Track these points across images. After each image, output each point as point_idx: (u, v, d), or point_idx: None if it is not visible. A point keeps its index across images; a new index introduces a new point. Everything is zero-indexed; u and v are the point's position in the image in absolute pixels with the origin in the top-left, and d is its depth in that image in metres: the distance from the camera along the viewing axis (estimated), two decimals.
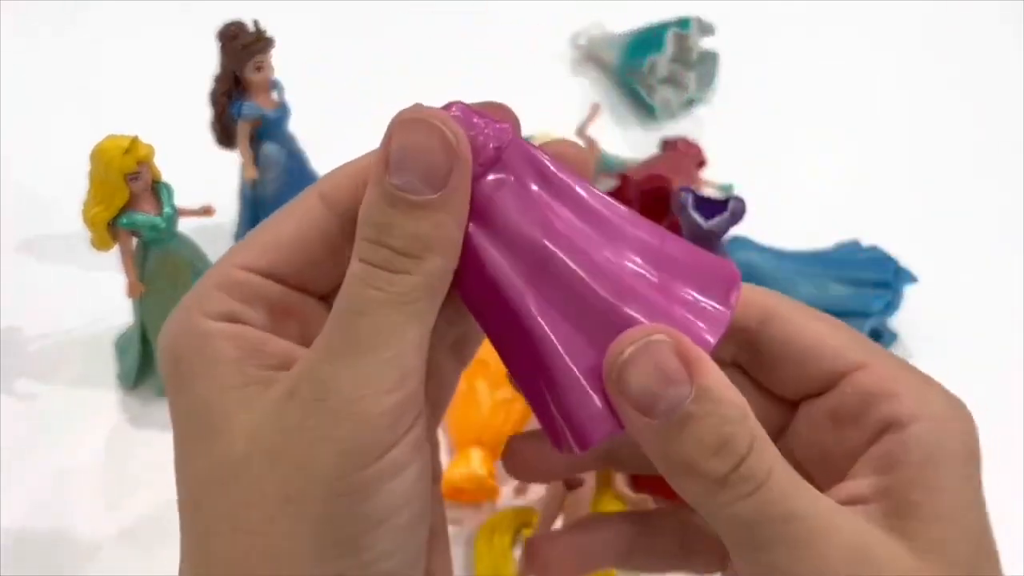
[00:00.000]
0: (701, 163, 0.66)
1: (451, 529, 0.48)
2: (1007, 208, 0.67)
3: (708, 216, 0.51)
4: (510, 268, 0.23)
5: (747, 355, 0.29)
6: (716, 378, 0.23)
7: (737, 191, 0.64)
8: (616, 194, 0.63)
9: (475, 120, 0.23)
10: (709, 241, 0.52)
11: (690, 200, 0.51)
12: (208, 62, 0.56)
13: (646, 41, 0.75)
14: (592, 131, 0.67)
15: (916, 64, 0.81)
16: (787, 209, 0.64)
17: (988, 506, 0.27)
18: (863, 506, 0.26)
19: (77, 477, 0.51)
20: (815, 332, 0.28)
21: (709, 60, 0.77)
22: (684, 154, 0.66)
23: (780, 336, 0.28)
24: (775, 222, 0.60)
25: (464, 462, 0.48)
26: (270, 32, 0.55)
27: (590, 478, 0.47)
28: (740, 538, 0.23)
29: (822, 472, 0.28)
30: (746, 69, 0.79)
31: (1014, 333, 0.59)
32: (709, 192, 0.60)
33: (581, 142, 0.67)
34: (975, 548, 0.26)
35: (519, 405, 0.50)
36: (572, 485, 0.46)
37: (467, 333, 0.29)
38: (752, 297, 0.28)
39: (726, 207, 0.51)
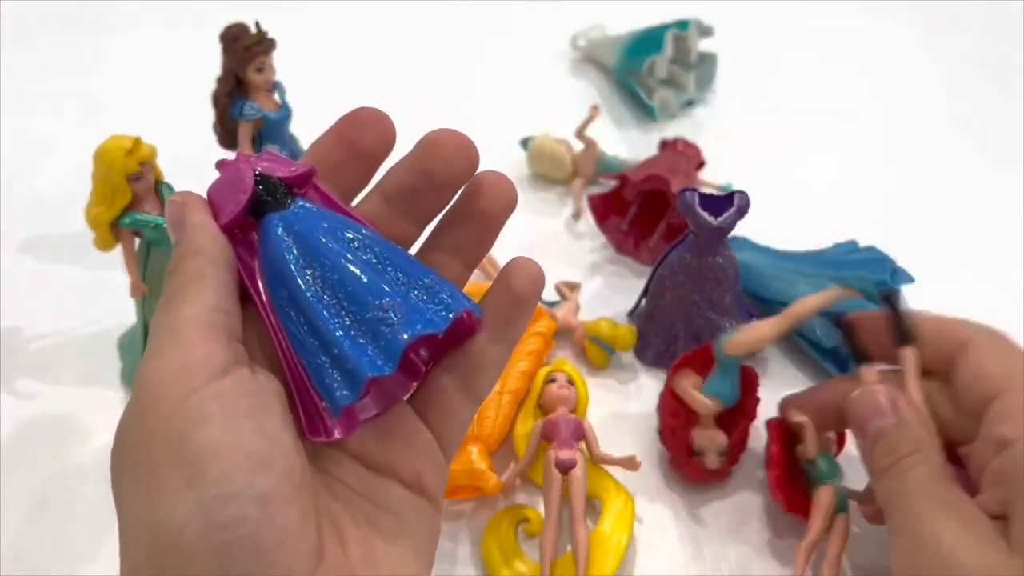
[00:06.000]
0: (700, 164, 0.66)
1: (455, 524, 0.48)
2: (1005, 209, 0.67)
3: (715, 213, 0.51)
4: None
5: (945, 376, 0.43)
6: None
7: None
8: (615, 194, 0.64)
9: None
10: (718, 237, 0.52)
11: (696, 199, 0.51)
12: (210, 63, 0.56)
13: (645, 42, 0.75)
14: (591, 132, 0.67)
15: (914, 66, 0.81)
16: (785, 209, 0.64)
17: None
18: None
19: (77, 477, 0.51)
20: (977, 365, 0.41)
21: (708, 61, 0.77)
22: (683, 154, 0.66)
23: (961, 368, 0.42)
24: (773, 222, 0.60)
25: (463, 459, 0.48)
26: (272, 34, 0.56)
27: (581, 461, 0.48)
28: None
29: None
30: (745, 70, 0.79)
31: (1011, 333, 0.60)
32: (708, 192, 0.60)
33: (580, 142, 0.67)
34: None
35: (507, 398, 0.51)
36: (565, 468, 0.47)
37: (477, 363, 0.32)
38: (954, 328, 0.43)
39: (731, 203, 0.51)
